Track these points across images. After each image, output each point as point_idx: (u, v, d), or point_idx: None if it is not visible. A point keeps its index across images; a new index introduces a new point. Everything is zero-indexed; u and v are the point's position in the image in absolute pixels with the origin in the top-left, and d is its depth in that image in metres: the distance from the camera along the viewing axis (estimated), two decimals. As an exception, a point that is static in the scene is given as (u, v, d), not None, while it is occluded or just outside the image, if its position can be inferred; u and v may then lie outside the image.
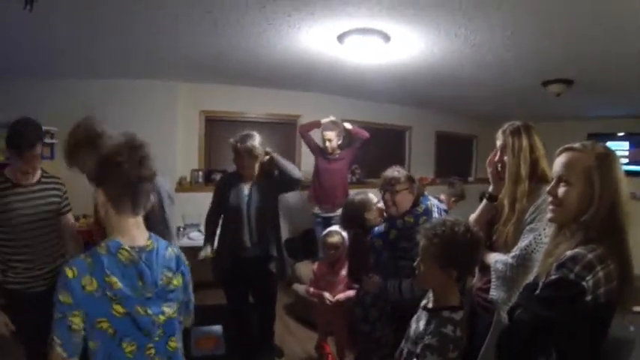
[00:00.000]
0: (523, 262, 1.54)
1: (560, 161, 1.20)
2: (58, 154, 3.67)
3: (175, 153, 4.38)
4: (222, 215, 2.78)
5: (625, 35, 2.45)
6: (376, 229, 2.33)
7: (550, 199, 1.21)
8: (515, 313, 1.15)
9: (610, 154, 1.15)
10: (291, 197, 4.51)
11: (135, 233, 1.16)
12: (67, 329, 1.03)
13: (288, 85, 4.52)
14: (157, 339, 1.16)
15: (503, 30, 2.49)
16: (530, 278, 1.33)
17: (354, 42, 2.69)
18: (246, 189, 2.67)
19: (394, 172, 2.24)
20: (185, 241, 3.84)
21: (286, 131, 4.99)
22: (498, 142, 1.72)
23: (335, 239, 2.82)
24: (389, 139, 5.74)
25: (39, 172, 2.04)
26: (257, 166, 2.64)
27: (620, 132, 5.72)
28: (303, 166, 4.63)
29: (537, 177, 1.62)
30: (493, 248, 1.71)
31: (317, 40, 2.80)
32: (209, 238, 2.84)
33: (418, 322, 1.54)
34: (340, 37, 2.70)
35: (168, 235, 2.06)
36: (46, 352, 1.94)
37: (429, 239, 1.45)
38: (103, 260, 1.06)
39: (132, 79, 4.07)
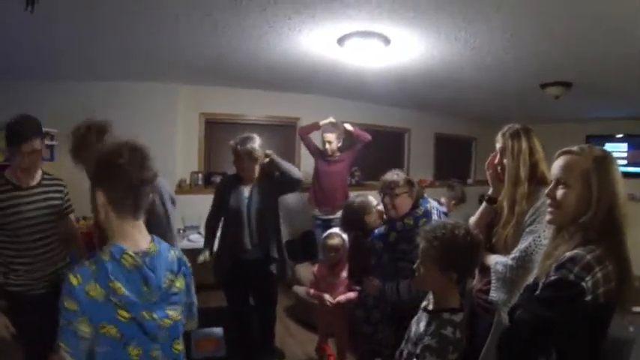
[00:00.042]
0: (523, 263, 1.55)
1: (558, 164, 1.21)
2: (58, 155, 3.68)
3: (175, 155, 4.39)
4: (222, 218, 2.78)
5: (624, 37, 2.46)
6: (376, 231, 2.33)
7: (549, 201, 1.22)
8: (516, 314, 1.16)
9: (607, 157, 1.17)
10: (290, 199, 4.52)
11: (137, 237, 1.15)
12: (74, 336, 1.03)
13: (288, 87, 4.53)
14: (162, 342, 1.16)
15: (503, 32, 2.50)
16: (530, 280, 1.34)
17: (354, 45, 2.70)
18: (246, 191, 2.67)
19: (393, 175, 2.26)
20: (185, 244, 3.84)
21: (286, 133, 5.00)
22: (498, 145, 1.73)
23: (335, 241, 2.83)
24: (388, 141, 5.75)
25: (40, 174, 2.01)
26: (257, 168, 2.65)
27: (618, 134, 5.73)
28: (303, 168, 4.63)
29: (537, 179, 1.63)
30: (493, 250, 1.72)
31: (317, 42, 2.81)
32: (209, 241, 2.85)
33: (418, 324, 1.54)
34: (340, 40, 2.71)
35: (171, 236, 2.07)
36: (46, 354, 1.93)
37: (429, 242, 1.46)
38: (107, 267, 1.05)
39: (132, 82, 4.08)
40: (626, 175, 5.20)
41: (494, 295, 1.64)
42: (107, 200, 1.10)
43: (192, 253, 2.51)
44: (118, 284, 1.05)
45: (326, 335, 3.02)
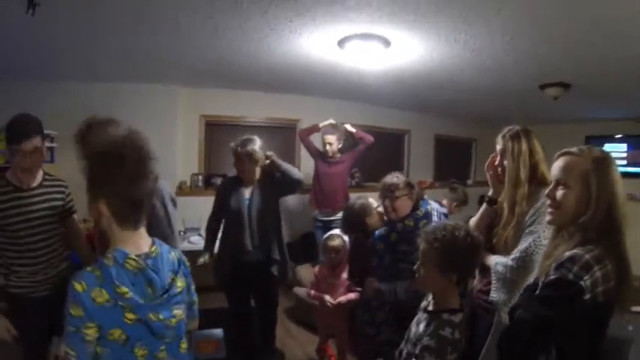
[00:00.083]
0: (523, 263, 1.56)
1: (558, 165, 1.23)
2: (58, 157, 3.68)
3: (175, 157, 4.39)
4: (223, 220, 2.79)
5: (623, 39, 2.47)
6: (377, 232, 2.34)
7: (549, 202, 1.23)
8: (516, 314, 1.17)
9: (606, 158, 1.18)
10: (290, 201, 4.53)
11: (139, 241, 1.16)
12: (81, 341, 1.03)
13: (288, 89, 4.54)
14: (168, 341, 1.17)
15: (503, 35, 2.51)
16: (530, 280, 1.35)
17: (354, 47, 2.71)
18: (247, 193, 2.68)
19: (393, 178, 2.27)
20: (185, 245, 3.84)
21: (286, 135, 5.01)
22: (498, 147, 1.74)
23: (336, 243, 2.83)
24: (388, 142, 5.76)
25: (41, 174, 1.99)
26: (257, 170, 2.66)
27: (618, 134, 5.75)
28: (303, 169, 4.64)
29: (537, 180, 1.64)
30: (493, 251, 1.73)
31: (318, 45, 2.82)
32: (209, 243, 2.87)
33: (418, 324, 1.55)
34: (341, 42, 2.72)
35: (172, 238, 2.07)
36: (46, 356, 1.93)
37: (430, 243, 1.46)
38: (112, 272, 1.06)
39: (132, 83, 4.09)
40: (626, 175, 5.19)
41: (495, 295, 1.65)
42: (110, 213, 1.11)
43: (192, 255, 2.52)
44: (125, 288, 1.05)
45: (327, 336, 3.02)
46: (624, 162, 5.57)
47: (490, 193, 1.80)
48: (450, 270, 1.44)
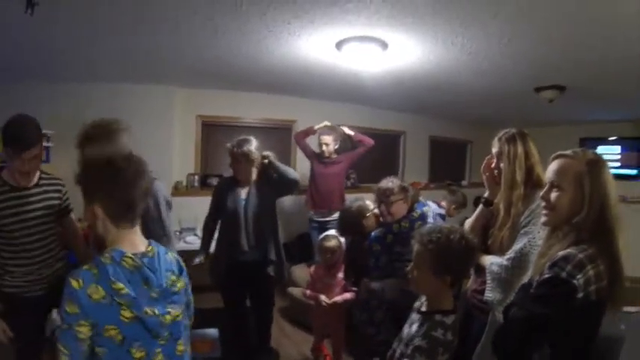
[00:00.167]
0: (518, 264, 1.58)
1: (552, 168, 1.25)
2: (53, 157, 3.67)
3: (172, 157, 4.39)
4: (219, 220, 2.79)
5: (621, 42, 2.48)
6: (373, 233, 2.36)
7: (543, 204, 1.25)
8: (510, 312, 1.19)
9: (600, 160, 1.21)
10: (286, 202, 4.54)
11: (135, 240, 1.18)
12: (74, 339, 1.04)
13: (285, 90, 4.54)
14: (163, 342, 1.17)
15: (500, 38, 2.53)
16: (525, 279, 1.37)
17: (352, 49, 2.72)
18: (243, 193, 2.69)
19: (388, 183, 2.30)
20: (181, 245, 3.84)
21: (282, 136, 5.01)
22: (494, 149, 1.77)
23: (332, 243, 2.84)
24: (383, 144, 5.76)
25: (37, 173, 1.97)
26: (254, 170, 2.66)
27: (612, 136, 5.78)
28: (299, 170, 4.63)
29: (532, 182, 1.66)
30: (488, 252, 1.75)
31: (316, 47, 2.82)
32: (205, 243, 2.87)
33: (411, 325, 1.56)
34: (338, 44, 2.73)
35: (167, 239, 2.06)
36: (40, 355, 1.92)
37: (424, 245, 1.46)
38: (108, 269, 1.07)
39: (130, 84, 4.07)
40: (619, 177, 5.30)
41: (490, 295, 1.67)
42: (105, 215, 1.13)
43: (188, 255, 2.52)
44: (120, 284, 1.07)
45: (322, 336, 3.03)
46: (618, 164, 5.62)
47: (486, 194, 1.82)
48: (444, 272, 1.44)
